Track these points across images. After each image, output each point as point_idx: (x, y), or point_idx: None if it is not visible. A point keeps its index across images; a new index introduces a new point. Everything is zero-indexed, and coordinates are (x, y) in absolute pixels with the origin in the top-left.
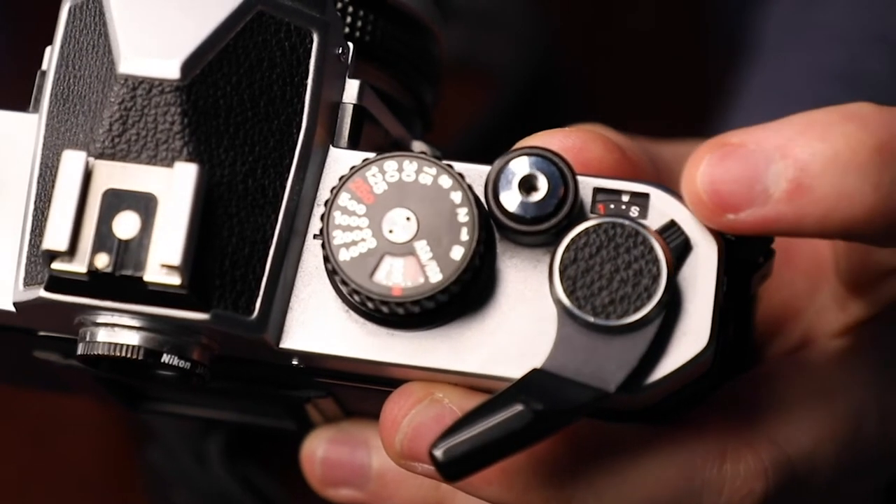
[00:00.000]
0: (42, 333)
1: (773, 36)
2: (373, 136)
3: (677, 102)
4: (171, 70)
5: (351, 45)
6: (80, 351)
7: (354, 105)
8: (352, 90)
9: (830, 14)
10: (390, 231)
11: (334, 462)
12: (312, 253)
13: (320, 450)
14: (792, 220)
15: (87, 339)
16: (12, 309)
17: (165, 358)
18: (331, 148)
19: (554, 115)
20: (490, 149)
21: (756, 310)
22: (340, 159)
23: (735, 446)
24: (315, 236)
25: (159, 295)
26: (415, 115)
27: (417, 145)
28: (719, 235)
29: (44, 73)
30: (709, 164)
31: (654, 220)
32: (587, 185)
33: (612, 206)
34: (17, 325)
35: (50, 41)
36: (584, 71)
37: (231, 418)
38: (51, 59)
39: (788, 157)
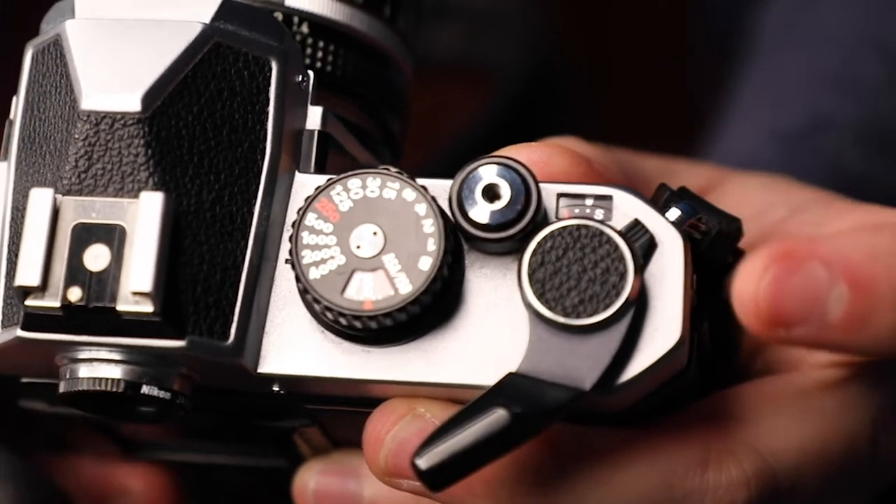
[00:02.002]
0: (26, 380)
1: (769, 36)
2: (339, 164)
3: (675, 102)
4: (131, 103)
5: (311, 73)
6: (61, 389)
7: (318, 131)
8: (315, 117)
9: (825, 16)
10: (358, 247)
11: (326, 493)
12: (285, 277)
13: (311, 482)
14: (840, 342)
15: (68, 376)
16: None
17: (145, 389)
18: (297, 174)
19: (552, 114)
20: (489, 147)
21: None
22: (307, 184)
23: (718, 454)
24: (286, 261)
25: (134, 325)
26: (382, 144)
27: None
28: (685, 234)
29: (12, 122)
30: (775, 278)
31: (619, 221)
32: (550, 191)
33: (576, 209)
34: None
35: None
36: (582, 70)
37: (224, 461)
38: (16, 106)
39: (850, 283)
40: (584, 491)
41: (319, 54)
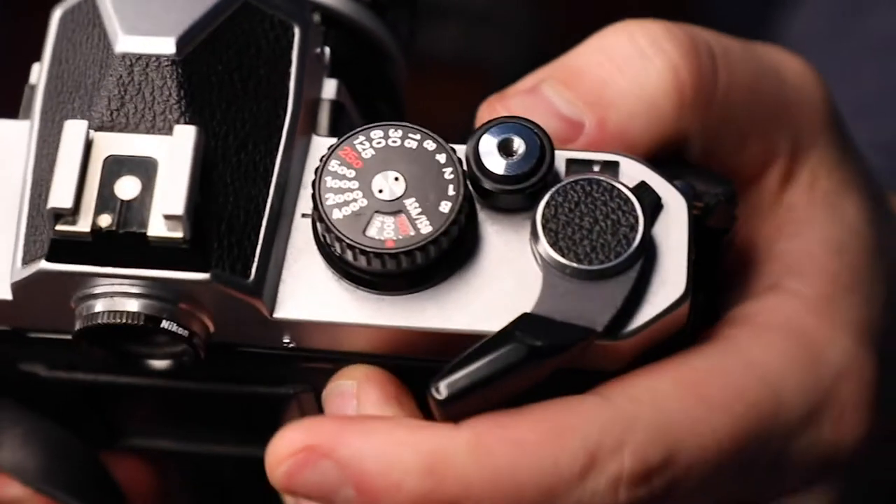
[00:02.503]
0: (32, 335)
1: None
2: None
3: None
4: (166, 46)
5: (328, 49)
6: (78, 325)
7: (333, 101)
8: (330, 88)
9: (877, 23)
10: (380, 191)
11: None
12: (301, 231)
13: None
14: None
15: (85, 312)
16: (8, 296)
17: (165, 324)
18: (314, 136)
19: None
20: None
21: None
22: (322, 146)
23: (600, 455)
24: (303, 215)
25: (161, 253)
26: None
27: None
28: (688, 193)
29: (32, 87)
30: (290, 468)
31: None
32: (560, 157)
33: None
34: (8, 328)
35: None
36: None
37: (212, 451)
38: (40, 68)
39: (357, 489)
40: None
41: (331, 43)
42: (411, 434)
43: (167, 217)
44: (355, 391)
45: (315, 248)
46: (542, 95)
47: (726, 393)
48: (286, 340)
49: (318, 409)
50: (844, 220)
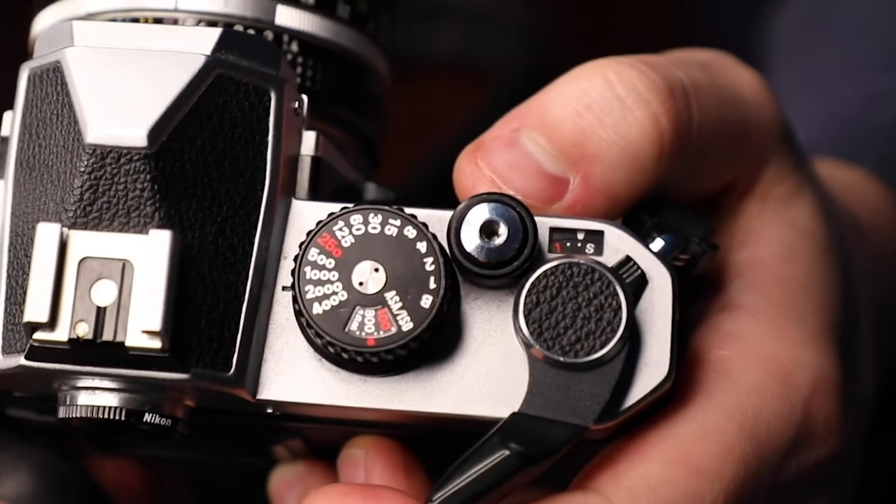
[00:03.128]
0: (18, 394)
1: (785, 38)
2: (329, 183)
3: None
4: (138, 138)
5: (305, 97)
6: (61, 414)
7: (312, 157)
8: (309, 142)
9: (849, 11)
10: (360, 283)
11: None
12: (282, 304)
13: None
14: None
15: (68, 402)
16: None
17: (147, 417)
18: (293, 200)
19: None
20: None
21: None
22: (303, 211)
23: None
24: (284, 288)
25: (140, 358)
26: (362, 152)
27: (370, 187)
28: (672, 268)
29: (4, 139)
30: None
31: (610, 257)
32: (543, 224)
33: (568, 244)
34: None
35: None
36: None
37: (200, 457)
38: (13, 125)
39: None
40: None
41: (309, 73)
42: None
43: (145, 332)
44: (363, 461)
45: (296, 325)
46: (523, 150)
47: (714, 458)
48: (270, 410)
49: (306, 449)
50: (796, 223)
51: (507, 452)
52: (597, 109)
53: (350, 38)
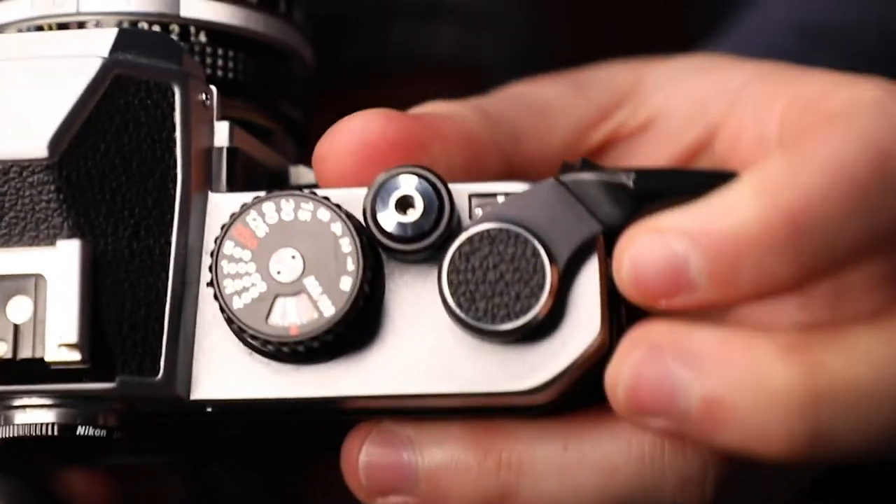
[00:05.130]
0: None
1: None
2: (250, 172)
3: None
4: (39, 149)
5: (214, 88)
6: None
7: (227, 148)
8: (222, 133)
9: None
10: (278, 272)
11: (379, 465)
12: (207, 301)
13: (362, 455)
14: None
15: (3, 422)
16: None
17: (80, 430)
18: (210, 194)
19: None
20: None
21: None
22: (220, 204)
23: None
24: (208, 284)
25: (62, 372)
26: (286, 135)
27: (294, 171)
28: (599, 222)
29: None
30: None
31: None
32: (462, 192)
33: (488, 208)
34: None
35: None
36: (575, 69)
37: (160, 461)
38: None
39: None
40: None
41: (220, 62)
42: None
43: (63, 345)
44: None
45: (223, 321)
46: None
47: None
48: (209, 410)
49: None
50: None
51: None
52: None
53: (260, 22)
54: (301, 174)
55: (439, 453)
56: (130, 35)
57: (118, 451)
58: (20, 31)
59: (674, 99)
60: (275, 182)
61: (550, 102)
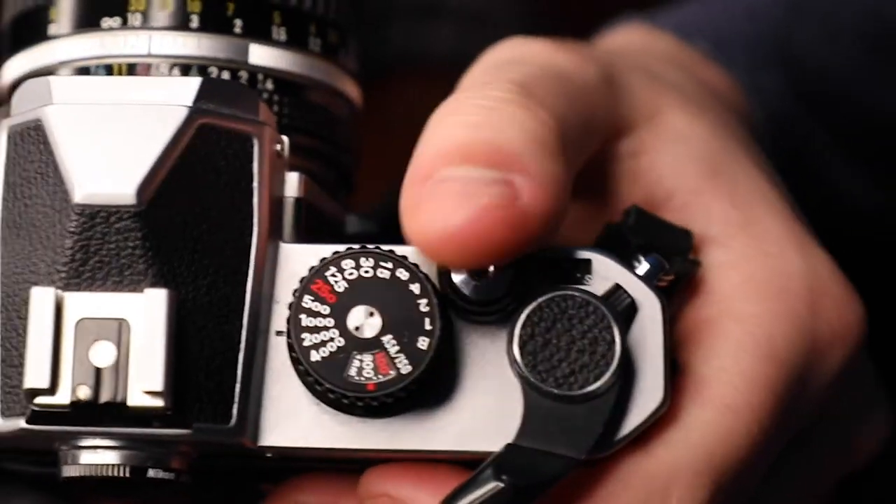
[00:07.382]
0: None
1: None
2: (315, 221)
3: None
4: (126, 197)
5: (286, 138)
6: (64, 473)
7: (296, 199)
8: (292, 183)
9: None
10: (356, 328)
11: None
12: (277, 350)
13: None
14: None
15: (70, 461)
16: None
17: (151, 473)
18: (280, 244)
19: None
20: None
21: None
22: (290, 254)
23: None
24: (278, 333)
25: (141, 417)
26: (338, 183)
27: (352, 221)
28: (661, 293)
29: None
30: None
31: (598, 286)
32: (531, 257)
33: (556, 275)
34: None
35: None
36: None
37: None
38: None
39: None
40: None
41: (286, 110)
42: None
43: (147, 392)
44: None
45: (292, 370)
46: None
47: (741, 391)
48: (269, 455)
49: None
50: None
51: (500, 485)
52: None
53: (322, 71)
54: (357, 223)
55: None
56: (212, 84)
57: (179, 492)
58: (86, 68)
59: (667, 174)
60: (334, 232)
61: (592, 97)
